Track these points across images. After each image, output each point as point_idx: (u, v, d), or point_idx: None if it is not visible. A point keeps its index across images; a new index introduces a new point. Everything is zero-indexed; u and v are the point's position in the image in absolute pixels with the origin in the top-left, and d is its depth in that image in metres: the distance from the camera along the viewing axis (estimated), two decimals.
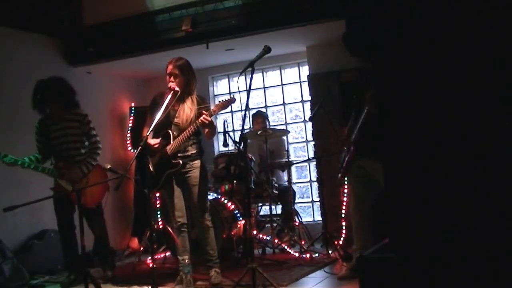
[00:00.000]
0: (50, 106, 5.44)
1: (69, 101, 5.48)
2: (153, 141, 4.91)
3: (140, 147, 4.63)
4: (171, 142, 4.90)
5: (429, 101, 2.48)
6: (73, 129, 5.47)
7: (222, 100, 4.81)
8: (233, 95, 4.77)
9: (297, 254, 5.99)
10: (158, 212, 6.40)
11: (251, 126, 7.23)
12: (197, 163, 5.00)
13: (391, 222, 2.62)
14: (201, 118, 4.73)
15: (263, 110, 8.13)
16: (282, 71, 8.21)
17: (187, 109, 4.93)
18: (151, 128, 4.67)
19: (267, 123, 7.17)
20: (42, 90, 5.38)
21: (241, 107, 8.26)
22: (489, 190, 2.35)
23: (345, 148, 4.98)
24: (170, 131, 4.92)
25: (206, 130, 4.92)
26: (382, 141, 4.41)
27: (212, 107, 4.88)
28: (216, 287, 4.90)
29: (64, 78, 5.57)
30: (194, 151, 5.01)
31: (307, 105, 7.72)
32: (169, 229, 5.42)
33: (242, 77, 4.58)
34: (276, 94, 8.27)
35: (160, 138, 4.93)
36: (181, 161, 4.89)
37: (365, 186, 4.80)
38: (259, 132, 6.33)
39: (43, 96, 5.39)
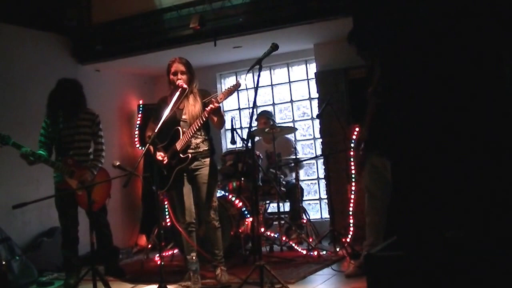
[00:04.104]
0: (65, 109, 5.46)
1: (82, 101, 5.52)
2: (159, 156, 4.92)
3: (147, 145, 4.67)
4: (181, 138, 4.91)
5: (437, 98, 2.48)
6: (85, 127, 5.49)
7: (228, 87, 4.82)
8: (238, 80, 4.77)
9: (304, 252, 5.99)
10: (166, 210, 6.42)
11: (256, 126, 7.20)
12: (208, 160, 5.01)
13: (399, 220, 2.62)
14: (211, 105, 4.73)
15: (270, 108, 8.14)
16: (290, 68, 8.21)
17: (191, 106, 4.95)
18: (158, 126, 4.67)
19: (272, 122, 7.06)
20: (58, 100, 5.42)
21: (248, 104, 8.27)
22: (497, 188, 2.35)
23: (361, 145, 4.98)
24: (179, 128, 4.94)
25: (215, 118, 4.90)
26: (388, 138, 4.46)
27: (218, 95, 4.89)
28: (224, 285, 4.91)
29: (72, 79, 5.59)
30: (206, 148, 5.01)
31: (315, 103, 7.72)
32: (178, 227, 5.43)
33: (250, 75, 4.59)
34: (284, 92, 8.27)
35: (165, 154, 4.96)
36: (190, 155, 4.90)
37: (377, 183, 4.78)
38: (266, 130, 6.33)
39: (60, 105, 5.43)
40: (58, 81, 5.50)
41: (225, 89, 4.82)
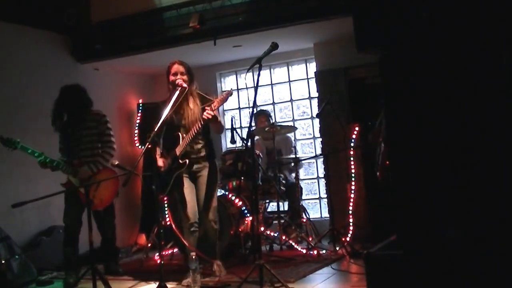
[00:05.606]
0: (69, 115, 5.56)
1: (85, 105, 5.58)
2: (161, 162, 4.97)
3: (147, 144, 4.68)
4: (180, 143, 4.95)
5: (437, 98, 2.47)
6: (90, 129, 5.55)
7: (221, 96, 4.83)
8: (231, 88, 4.82)
9: (304, 251, 5.99)
10: (166, 209, 6.41)
11: (255, 125, 7.19)
12: (209, 163, 5.06)
13: (398, 219, 2.62)
14: (204, 114, 4.76)
15: (270, 107, 8.13)
16: (290, 67, 8.21)
17: (190, 111, 4.99)
18: (158, 125, 4.68)
19: (271, 121, 7.06)
20: (63, 108, 5.52)
21: (248, 103, 8.26)
22: (497, 188, 2.35)
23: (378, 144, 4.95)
24: (179, 133, 4.98)
25: (213, 125, 4.96)
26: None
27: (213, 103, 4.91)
28: (224, 284, 4.92)
29: (74, 85, 5.63)
30: (207, 152, 5.09)
31: (314, 102, 7.71)
32: (175, 229, 5.45)
33: (250, 74, 4.58)
34: (284, 91, 8.26)
35: (165, 159, 5.00)
36: (187, 161, 4.93)
37: None
38: (266, 129, 6.32)
39: (64, 112, 5.54)
40: (60, 89, 5.57)
41: (219, 98, 4.84)
